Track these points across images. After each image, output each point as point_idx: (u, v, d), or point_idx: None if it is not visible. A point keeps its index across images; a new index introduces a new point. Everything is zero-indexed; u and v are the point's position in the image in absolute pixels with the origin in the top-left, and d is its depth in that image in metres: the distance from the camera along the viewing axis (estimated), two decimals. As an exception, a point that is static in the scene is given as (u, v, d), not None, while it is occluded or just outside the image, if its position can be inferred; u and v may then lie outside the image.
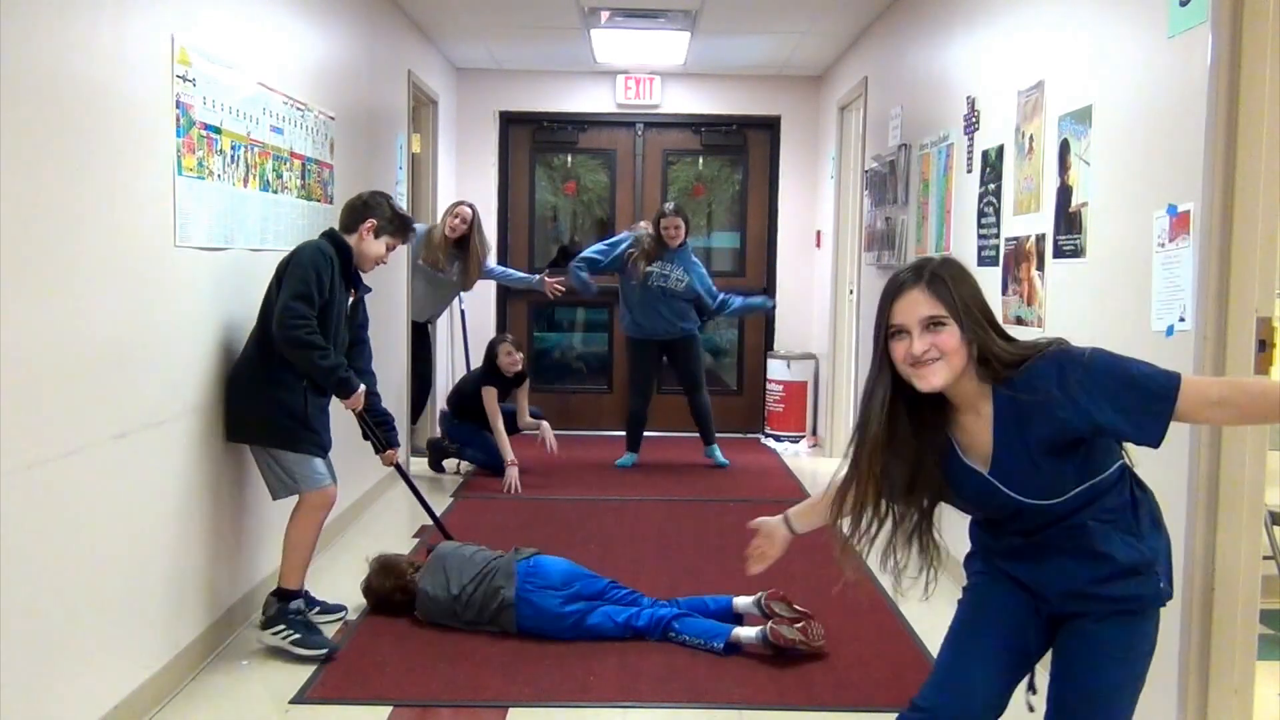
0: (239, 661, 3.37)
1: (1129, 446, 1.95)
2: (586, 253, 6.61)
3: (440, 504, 5.57)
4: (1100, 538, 1.91)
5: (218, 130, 3.38)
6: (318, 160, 4.36)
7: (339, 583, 4.19)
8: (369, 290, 3.78)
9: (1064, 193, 3.37)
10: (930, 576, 2.03)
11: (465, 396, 6.27)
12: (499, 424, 6.04)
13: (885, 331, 1.91)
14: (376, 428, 3.82)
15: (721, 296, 6.59)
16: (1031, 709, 2.08)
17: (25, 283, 2.36)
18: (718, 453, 6.66)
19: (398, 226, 3.67)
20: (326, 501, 3.52)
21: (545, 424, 6.36)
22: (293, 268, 3.37)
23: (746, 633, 3.46)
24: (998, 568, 2.06)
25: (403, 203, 6.07)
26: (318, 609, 3.69)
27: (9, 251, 2.29)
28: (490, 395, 6.10)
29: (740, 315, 7.15)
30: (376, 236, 3.60)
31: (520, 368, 6.27)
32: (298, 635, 3.36)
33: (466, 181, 7.65)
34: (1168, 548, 1.99)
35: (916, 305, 1.87)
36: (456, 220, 6.27)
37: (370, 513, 5.24)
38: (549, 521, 5.26)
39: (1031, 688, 2.07)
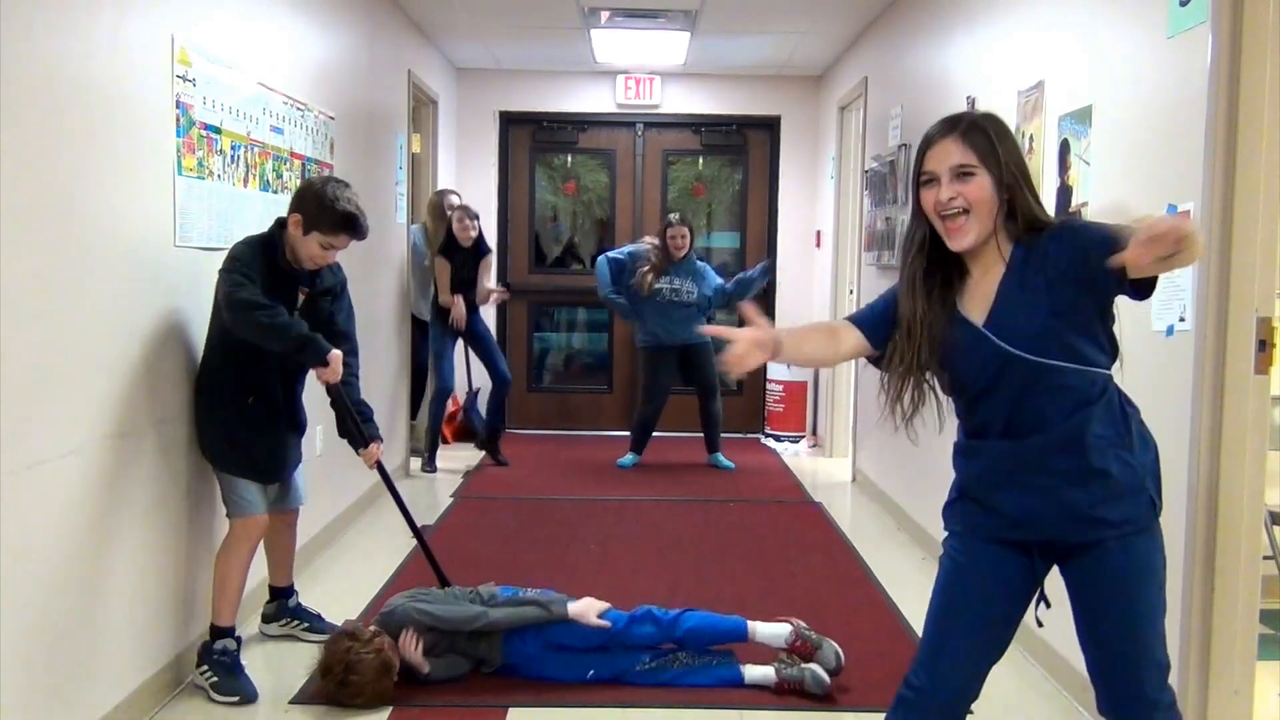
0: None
1: (1115, 374, 1.97)
2: (607, 269, 6.57)
3: (440, 504, 5.58)
4: (1097, 455, 1.90)
5: (218, 130, 3.38)
6: (318, 160, 4.36)
7: (340, 584, 4.19)
8: (331, 285, 3.33)
9: (1064, 193, 3.37)
10: (906, 416, 2.05)
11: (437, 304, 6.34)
12: (446, 295, 6.17)
13: (918, 180, 1.96)
14: (356, 421, 3.38)
15: (730, 285, 6.59)
16: (1040, 624, 2.05)
17: (25, 283, 2.36)
18: (721, 459, 6.66)
19: (328, 222, 3.11)
20: (250, 532, 3.19)
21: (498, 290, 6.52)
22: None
23: (754, 673, 3.22)
24: (981, 512, 2.00)
25: (402, 203, 6.07)
26: (305, 624, 3.55)
27: (9, 251, 2.29)
28: (443, 267, 6.18)
29: (750, 290, 6.68)
30: (305, 233, 3.12)
31: (475, 234, 6.22)
32: (216, 678, 3.08)
33: (466, 181, 7.64)
34: (1155, 460, 1.99)
35: (948, 154, 1.91)
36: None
37: (374, 510, 5.24)
38: (549, 521, 5.26)
39: (1045, 602, 2.04)
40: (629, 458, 6.66)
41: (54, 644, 2.53)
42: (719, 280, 6.63)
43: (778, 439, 7.58)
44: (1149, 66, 2.87)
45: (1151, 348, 2.77)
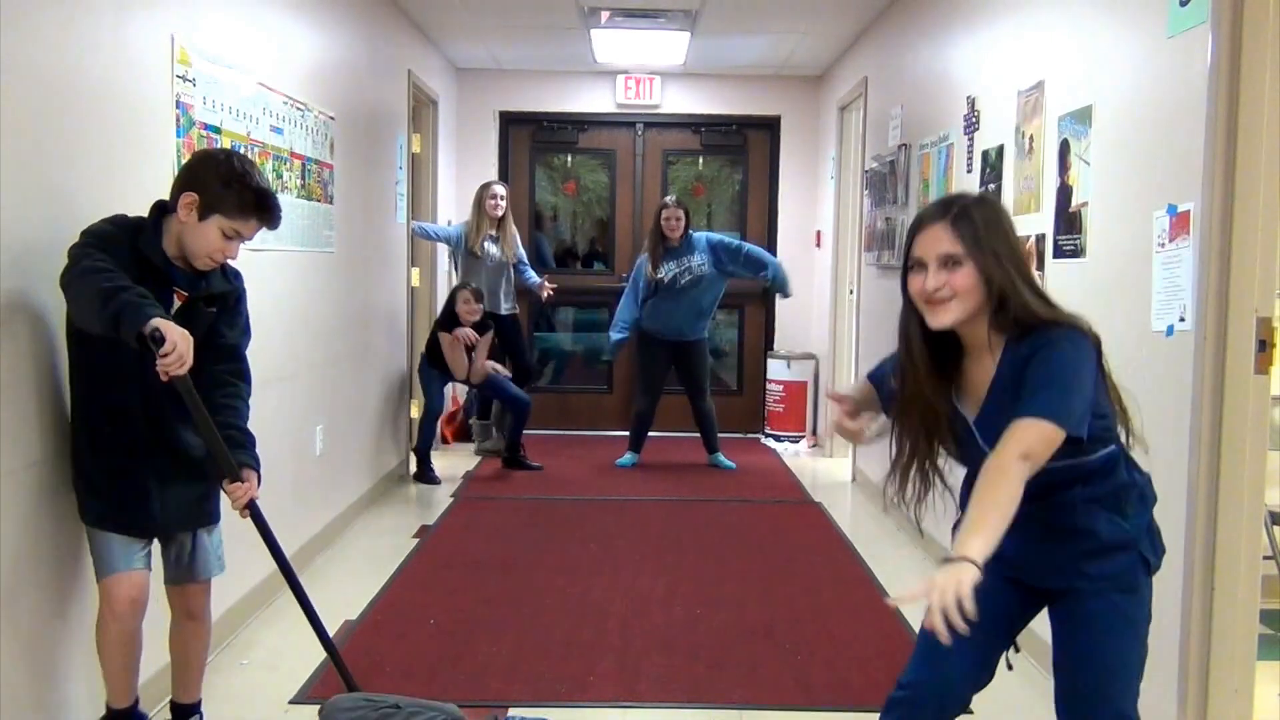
0: (239, 661, 3.37)
1: (1122, 430, 1.97)
2: (623, 313, 6.56)
3: (440, 504, 5.58)
4: (1083, 515, 1.92)
5: (218, 130, 3.38)
6: (318, 160, 4.36)
7: (340, 584, 4.18)
8: (222, 291, 2.52)
9: (1064, 193, 3.37)
10: (920, 509, 2.04)
11: (430, 347, 6.29)
12: (459, 372, 6.21)
13: (906, 264, 1.92)
14: (219, 442, 2.42)
15: (749, 250, 6.51)
16: (1011, 667, 2.08)
17: (24, 284, 2.36)
18: (722, 459, 6.66)
19: (234, 203, 2.38)
20: (113, 594, 2.44)
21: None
22: None
23: None
24: None
25: (401, 203, 6.07)
26: None
27: (8, 252, 2.29)
28: (449, 341, 6.14)
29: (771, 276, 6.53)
30: (202, 218, 2.37)
31: (479, 318, 6.20)
32: None
33: (466, 181, 7.63)
34: (1152, 525, 1.99)
35: (937, 241, 1.86)
36: (494, 200, 6.53)
37: (373, 510, 5.24)
38: (549, 521, 5.26)
39: (1014, 647, 2.08)
40: (628, 457, 6.66)
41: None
42: (725, 240, 6.56)
43: (778, 439, 7.58)
44: (1149, 66, 2.87)
45: (1151, 348, 2.77)
